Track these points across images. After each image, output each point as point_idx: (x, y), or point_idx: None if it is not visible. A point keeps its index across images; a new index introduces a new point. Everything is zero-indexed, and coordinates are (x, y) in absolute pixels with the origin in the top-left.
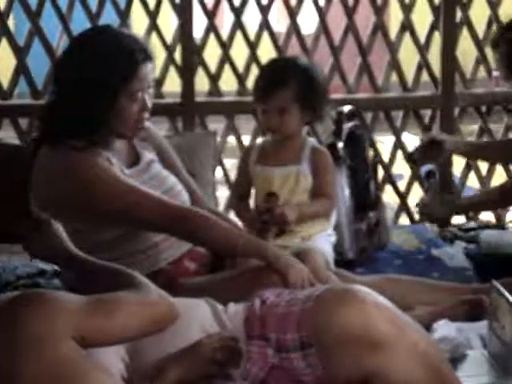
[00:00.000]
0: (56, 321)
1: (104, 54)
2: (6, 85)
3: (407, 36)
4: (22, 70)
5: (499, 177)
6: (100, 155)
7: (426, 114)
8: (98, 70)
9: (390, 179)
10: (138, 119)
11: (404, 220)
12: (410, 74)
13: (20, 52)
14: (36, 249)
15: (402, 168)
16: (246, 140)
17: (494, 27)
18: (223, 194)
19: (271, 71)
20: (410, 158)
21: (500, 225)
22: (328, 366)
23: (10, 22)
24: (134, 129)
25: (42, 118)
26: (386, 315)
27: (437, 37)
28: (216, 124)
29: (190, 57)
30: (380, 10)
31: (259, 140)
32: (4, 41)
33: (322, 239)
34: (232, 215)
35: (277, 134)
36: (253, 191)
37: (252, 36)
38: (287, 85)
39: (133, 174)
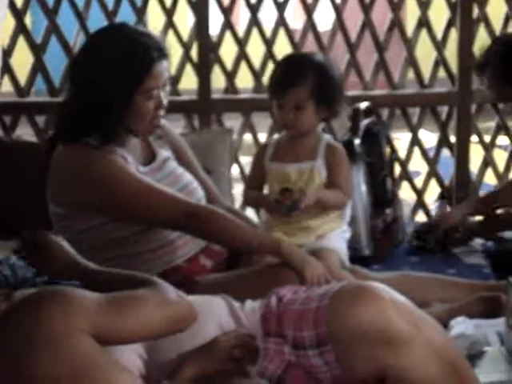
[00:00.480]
0: (74, 318)
1: (119, 51)
2: (23, 82)
3: (424, 32)
4: (39, 67)
5: None
6: (115, 153)
7: (443, 110)
8: (114, 68)
9: (407, 176)
10: (154, 117)
11: (421, 217)
12: (426, 70)
13: (37, 49)
14: (40, 266)
15: (418, 165)
16: (263, 137)
17: (511, 24)
18: (239, 191)
19: (287, 67)
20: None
21: None
22: (344, 363)
23: (27, 20)
24: (149, 127)
25: (58, 116)
26: (402, 312)
27: (454, 33)
28: (232, 121)
29: (206, 54)
30: (397, 7)
31: (275, 137)
32: (21, 38)
33: (337, 237)
34: (249, 210)
35: (292, 129)
36: (265, 189)
37: (268, 33)
38: (303, 81)
39: (148, 172)
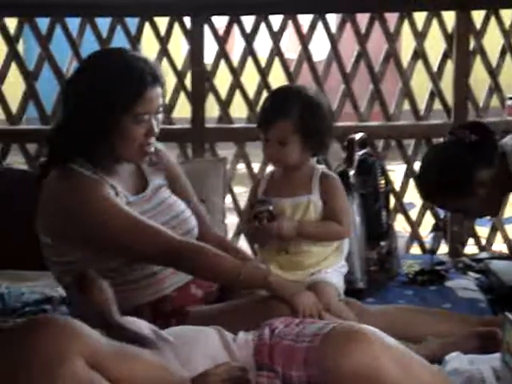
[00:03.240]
0: (75, 342)
1: (113, 73)
2: (14, 110)
3: (420, 64)
4: (31, 94)
5: None
6: (104, 182)
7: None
8: (105, 89)
9: (402, 208)
10: (144, 143)
11: (415, 249)
12: (422, 101)
13: (29, 77)
14: (78, 308)
15: (413, 197)
16: (256, 168)
17: (508, 56)
18: (233, 221)
19: (272, 101)
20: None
21: None
22: None
23: (20, 47)
24: (139, 153)
25: (49, 140)
26: (392, 355)
27: (449, 65)
28: (225, 151)
29: (200, 83)
30: (392, 37)
31: (268, 170)
32: (13, 65)
33: (335, 272)
34: (242, 241)
35: (277, 164)
36: None
37: (263, 62)
38: (287, 115)
39: (137, 201)
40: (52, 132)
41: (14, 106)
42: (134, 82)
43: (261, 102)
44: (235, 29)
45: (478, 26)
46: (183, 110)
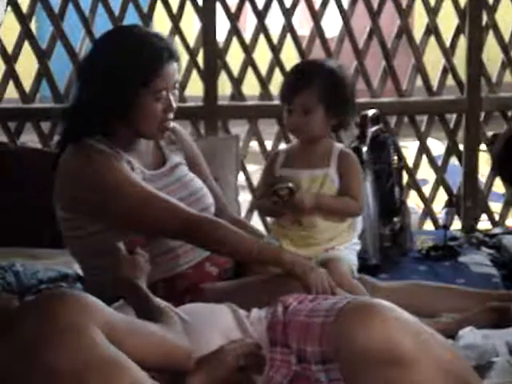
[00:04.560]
0: (90, 312)
1: (130, 50)
2: (28, 88)
3: (432, 39)
4: (44, 73)
5: None
6: (121, 158)
7: (452, 118)
8: (123, 66)
9: (415, 184)
10: (163, 119)
11: (428, 225)
12: (435, 77)
13: (42, 55)
14: (121, 271)
15: (426, 173)
16: (269, 145)
17: None
18: (246, 198)
19: (298, 72)
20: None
21: None
22: (351, 381)
23: (33, 25)
24: (158, 129)
25: (67, 116)
26: (408, 330)
27: (462, 40)
28: (238, 128)
29: (212, 60)
30: (405, 13)
31: (285, 145)
32: (26, 44)
33: (347, 249)
34: (255, 218)
35: (301, 134)
36: None
37: (275, 39)
38: (312, 85)
39: (155, 177)
40: (69, 108)
41: (27, 85)
42: (151, 58)
43: (273, 79)
44: (247, 6)
45: (491, 1)
46: (196, 87)
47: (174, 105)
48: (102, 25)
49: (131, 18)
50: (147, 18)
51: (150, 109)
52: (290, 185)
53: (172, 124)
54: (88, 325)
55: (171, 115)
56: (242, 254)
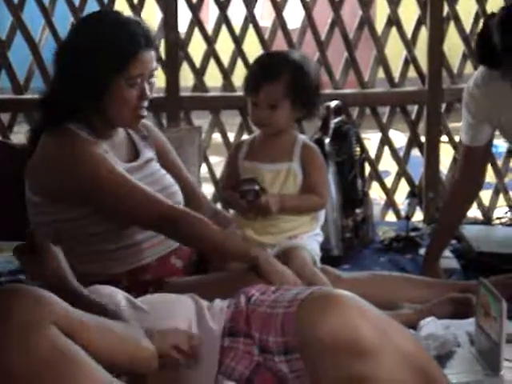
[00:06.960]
0: (46, 309)
1: (107, 33)
2: None
3: (394, 31)
4: (3, 64)
5: None
6: (97, 145)
7: (413, 109)
8: (98, 49)
9: (377, 175)
10: (137, 106)
11: (391, 216)
12: (396, 69)
13: (2, 46)
14: (32, 272)
15: (388, 164)
16: (232, 137)
17: (481, 22)
18: (208, 190)
19: (263, 64)
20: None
21: (486, 221)
22: (313, 372)
23: None
24: (132, 117)
25: (44, 101)
26: (369, 320)
27: (424, 32)
28: (201, 120)
29: (174, 51)
30: (366, 5)
31: (248, 136)
32: None
33: (310, 238)
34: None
35: (266, 128)
36: None
37: (237, 30)
38: (279, 79)
39: (127, 170)
40: (46, 93)
41: None
42: (127, 43)
43: (236, 70)
44: None
45: None
46: (157, 78)
47: (149, 93)
48: (61, 15)
49: (91, 8)
50: (108, 8)
51: (124, 94)
52: (256, 187)
53: (146, 113)
54: (44, 323)
55: (145, 103)
56: (210, 248)
